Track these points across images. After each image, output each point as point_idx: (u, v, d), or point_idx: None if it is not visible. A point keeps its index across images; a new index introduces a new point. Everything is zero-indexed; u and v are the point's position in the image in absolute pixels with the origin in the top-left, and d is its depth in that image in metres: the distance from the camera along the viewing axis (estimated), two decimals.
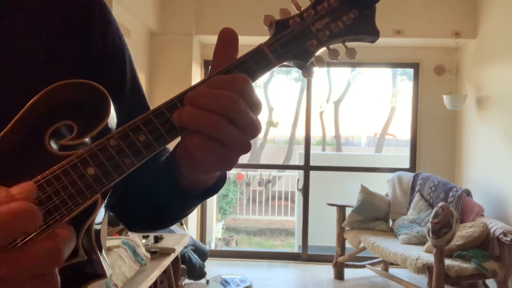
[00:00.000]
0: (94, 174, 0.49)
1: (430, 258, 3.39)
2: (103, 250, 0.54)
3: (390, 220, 4.58)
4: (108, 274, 0.54)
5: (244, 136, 0.50)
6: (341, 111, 11.18)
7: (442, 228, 3.26)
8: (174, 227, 3.94)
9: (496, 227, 3.43)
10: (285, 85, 11.58)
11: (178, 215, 0.68)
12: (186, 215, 0.68)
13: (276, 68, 0.55)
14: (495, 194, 4.12)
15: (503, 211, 3.94)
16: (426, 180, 4.42)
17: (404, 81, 9.92)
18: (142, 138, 0.50)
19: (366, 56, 4.96)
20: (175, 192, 0.60)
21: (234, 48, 0.53)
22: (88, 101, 0.52)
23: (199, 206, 4.95)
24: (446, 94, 4.66)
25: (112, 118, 0.53)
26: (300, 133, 10.17)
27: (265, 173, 8.29)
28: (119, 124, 0.53)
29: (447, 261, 3.35)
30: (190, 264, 3.90)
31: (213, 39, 4.56)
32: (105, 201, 0.51)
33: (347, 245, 4.57)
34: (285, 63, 0.56)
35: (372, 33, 0.58)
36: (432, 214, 3.39)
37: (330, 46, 0.57)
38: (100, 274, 0.53)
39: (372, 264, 4.59)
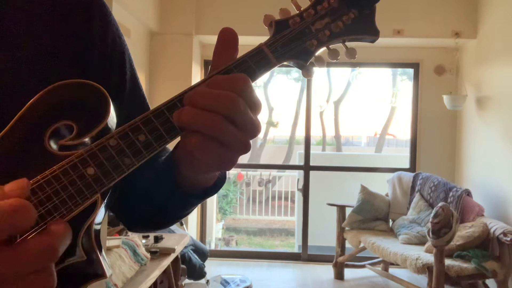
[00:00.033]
0: (93, 174, 0.49)
1: (430, 258, 3.39)
2: (103, 250, 0.54)
3: (390, 220, 4.58)
4: (108, 274, 0.54)
5: (244, 136, 0.50)
6: (341, 111, 11.19)
7: (442, 228, 3.26)
8: (174, 227, 3.94)
9: (496, 227, 3.43)
10: (285, 85, 11.59)
11: (178, 215, 0.68)
12: (186, 215, 0.68)
13: (276, 68, 0.55)
14: (495, 194, 4.12)
15: (503, 211, 3.94)
16: (426, 180, 4.42)
17: (404, 81, 9.92)
18: (142, 138, 0.50)
19: (366, 56, 4.96)
20: (175, 192, 0.60)
21: (234, 48, 0.53)
22: (88, 101, 0.52)
23: (199, 206, 4.95)
24: (446, 94, 4.66)
25: (112, 118, 0.53)
26: (300, 133, 10.17)
27: (265, 173, 8.29)
28: (119, 124, 0.53)
29: (447, 261, 3.35)
30: (190, 264, 3.90)
31: (213, 39, 4.55)
32: (105, 201, 0.51)
33: (347, 245, 4.57)
34: (285, 63, 0.56)
35: (372, 33, 0.58)
36: (432, 214, 3.39)
37: (330, 46, 0.57)
38: (100, 274, 0.53)
39: (372, 264, 4.59)
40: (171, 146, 0.58)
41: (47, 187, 0.48)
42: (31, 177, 0.48)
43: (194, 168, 0.55)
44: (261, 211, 8.52)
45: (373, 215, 4.51)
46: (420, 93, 5.11)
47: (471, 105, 4.65)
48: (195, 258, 3.99)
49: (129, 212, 0.72)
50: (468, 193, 3.96)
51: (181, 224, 4.33)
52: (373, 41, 0.59)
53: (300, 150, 6.43)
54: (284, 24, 0.55)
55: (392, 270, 4.55)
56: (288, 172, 8.88)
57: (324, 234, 5.99)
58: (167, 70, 4.74)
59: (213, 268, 4.69)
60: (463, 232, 3.51)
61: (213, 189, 0.62)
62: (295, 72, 10.03)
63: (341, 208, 4.63)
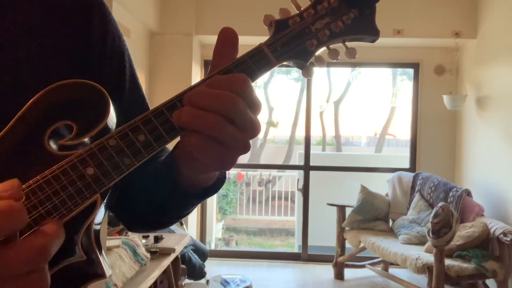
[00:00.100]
0: (93, 174, 0.49)
1: (430, 258, 3.39)
2: (102, 250, 0.54)
3: (390, 220, 4.58)
4: (107, 274, 0.54)
5: (244, 136, 0.50)
6: (341, 111, 11.18)
7: (442, 228, 3.26)
8: (174, 227, 3.94)
9: (496, 227, 3.43)
10: (285, 85, 11.59)
11: (177, 215, 0.68)
12: (186, 215, 0.68)
13: (276, 68, 0.55)
14: (495, 194, 4.12)
15: (503, 211, 3.94)
16: (426, 180, 4.42)
17: (404, 81, 9.92)
18: (142, 138, 0.50)
19: (366, 56, 4.96)
20: (175, 192, 0.60)
21: (234, 48, 0.53)
22: (88, 101, 0.52)
23: (199, 206, 4.96)
24: (446, 94, 4.66)
25: (112, 118, 0.53)
26: (300, 133, 10.17)
27: (265, 173, 8.29)
28: (118, 124, 0.53)
29: (447, 261, 3.35)
30: (190, 264, 3.90)
31: (213, 39, 4.55)
32: (105, 201, 0.51)
33: (347, 245, 4.57)
34: (284, 63, 0.56)
35: (372, 33, 0.58)
36: (432, 214, 3.38)
37: (330, 46, 0.57)
38: (99, 274, 0.53)
39: (372, 264, 4.59)
40: (170, 146, 0.58)
41: (47, 187, 0.48)
42: (30, 177, 0.48)
43: (194, 168, 0.55)
44: (261, 211, 8.52)
45: (373, 215, 4.51)
46: (420, 93, 5.11)
47: (471, 105, 4.65)
48: (195, 258, 3.99)
49: (129, 212, 0.72)
50: (468, 193, 3.96)
51: (181, 224, 4.33)
52: (373, 41, 0.58)
53: (300, 150, 6.43)
54: (284, 24, 0.55)
55: (392, 270, 4.55)
56: (288, 172, 8.88)
57: (324, 234, 5.98)
58: (167, 70, 4.74)
59: (213, 268, 4.69)
60: (463, 232, 3.51)
61: (213, 189, 0.62)
62: (295, 72, 10.03)
63: (341, 208, 4.63)
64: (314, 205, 5.39)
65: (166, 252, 3.19)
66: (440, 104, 4.74)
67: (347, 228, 4.55)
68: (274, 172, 8.81)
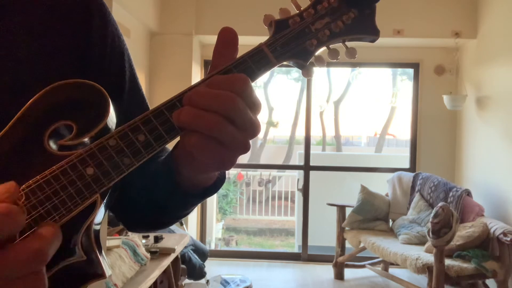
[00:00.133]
0: (93, 174, 0.49)
1: (430, 258, 3.39)
2: (102, 250, 0.54)
3: (390, 220, 4.58)
4: (107, 274, 0.54)
5: (243, 136, 0.50)
6: (341, 111, 11.18)
7: (442, 228, 3.26)
8: (174, 227, 3.94)
9: (496, 227, 3.43)
10: (285, 85, 11.58)
11: (178, 215, 0.68)
12: (186, 215, 0.68)
13: (276, 68, 0.55)
14: (495, 194, 4.12)
15: (503, 211, 3.94)
16: (426, 180, 4.42)
17: (404, 81, 9.92)
18: (142, 138, 0.50)
19: (366, 56, 4.96)
20: (175, 192, 0.60)
21: (233, 47, 0.53)
22: (88, 101, 0.52)
23: (199, 206, 4.96)
24: (446, 94, 4.66)
25: (111, 118, 0.53)
26: (300, 133, 10.17)
27: (265, 173, 8.29)
28: (118, 124, 0.53)
29: (447, 261, 3.35)
30: (190, 264, 3.90)
31: (213, 39, 4.54)
32: (104, 201, 0.51)
33: (347, 245, 4.57)
34: (284, 63, 0.55)
35: (372, 33, 0.58)
36: (432, 214, 3.38)
37: (330, 46, 0.57)
38: (99, 274, 0.53)
39: (372, 264, 4.59)
40: (170, 146, 0.58)
41: (46, 187, 0.48)
42: (30, 177, 0.48)
43: (194, 168, 0.55)
44: (261, 211, 8.52)
45: (373, 215, 4.51)
46: (420, 93, 5.11)
47: (471, 105, 4.65)
48: (195, 258, 3.99)
49: (129, 213, 0.72)
50: (468, 193, 3.96)
51: (181, 224, 4.33)
52: (373, 41, 0.58)
53: (300, 150, 6.43)
54: (284, 24, 0.55)
55: (392, 270, 4.55)
56: (288, 172, 8.88)
57: (324, 234, 5.98)
58: (167, 70, 4.74)
59: (213, 268, 4.69)
60: (463, 232, 3.51)
61: (212, 189, 0.62)
62: (295, 72, 10.03)
63: (341, 208, 4.63)
64: (314, 205, 5.39)
65: (166, 252, 3.19)
66: (440, 104, 4.74)
67: (347, 228, 4.55)
68: (274, 172, 8.81)
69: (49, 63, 0.61)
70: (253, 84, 0.52)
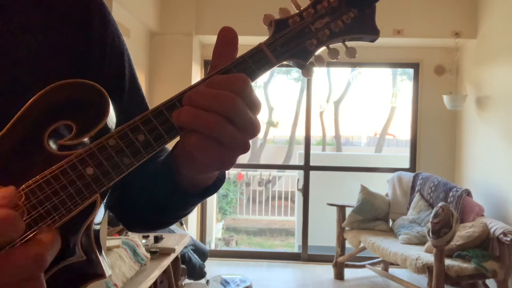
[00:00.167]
0: (93, 174, 0.49)
1: (430, 258, 3.39)
2: (102, 250, 0.54)
3: (390, 220, 4.58)
4: (107, 274, 0.54)
5: (243, 135, 0.50)
6: (341, 111, 11.18)
7: (442, 228, 3.25)
8: (174, 227, 3.94)
9: (496, 227, 3.43)
10: (285, 85, 11.58)
11: (177, 215, 0.68)
12: (186, 214, 0.68)
13: (276, 68, 0.55)
14: (495, 194, 4.12)
15: (503, 211, 3.94)
16: (426, 180, 4.42)
17: (404, 81, 9.92)
18: (141, 137, 0.50)
19: (366, 56, 4.96)
20: (175, 192, 0.60)
21: (233, 47, 0.53)
22: (87, 101, 0.52)
23: (199, 206, 4.96)
24: (446, 94, 4.66)
25: (111, 118, 0.53)
26: (300, 133, 10.17)
27: (265, 173, 8.29)
28: (118, 124, 0.53)
29: (447, 261, 3.35)
30: (190, 264, 3.90)
31: (213, 39, 4.54)
32: (104, 201, 0.51)
33: (347, 245, 4.57)
34: (284, 62, 0.55)
35: (372, 33, 0.58)
36: (432, 214, 3.38)
37: (330, 46, 0.57)
38: (99, 274, 0.53)
39: (372, 264, 4.59)
40: (170, 146, 0.58)
41: (46, 187, 0.48)
42: (30, 177, 0.48)
43: (194, 167, 0.55)
44: (261, 211, 8.52)
45: (373, 215, 4.51)
46: (420, 93, 5.11)
47: (471, 105, 4.65)
48: (195, 258, 3.99)
49: (129, 212, 0.72)
50: (468, 193, 3.96)
51: (181, 224, 4.33)
52: (373, 41, 0.58)
53: (300, 150, 6.43)
54: (283, 24, 0.55)
55: (392, 270, 4.55)
56: (288, 172, 8.88)
57: (324, 234, 5.98)
58: (167, 70, 4.74)
59: (213, 268, 4.69)
60: (463, 232, 3.51)
61: (212, 189, 0.62)
62: (295, 72, 10.03)
63: (341, 208, 4.63)
64: (314, 205, 5.39)
65: (166, 252, 3.19)
66: (440, 104, 4.74)
67: (347, 228, 4.55)
68: (274, 172, 8.81)
69: (49, 63, 0.61)
70: (253, 84, 0.52)
